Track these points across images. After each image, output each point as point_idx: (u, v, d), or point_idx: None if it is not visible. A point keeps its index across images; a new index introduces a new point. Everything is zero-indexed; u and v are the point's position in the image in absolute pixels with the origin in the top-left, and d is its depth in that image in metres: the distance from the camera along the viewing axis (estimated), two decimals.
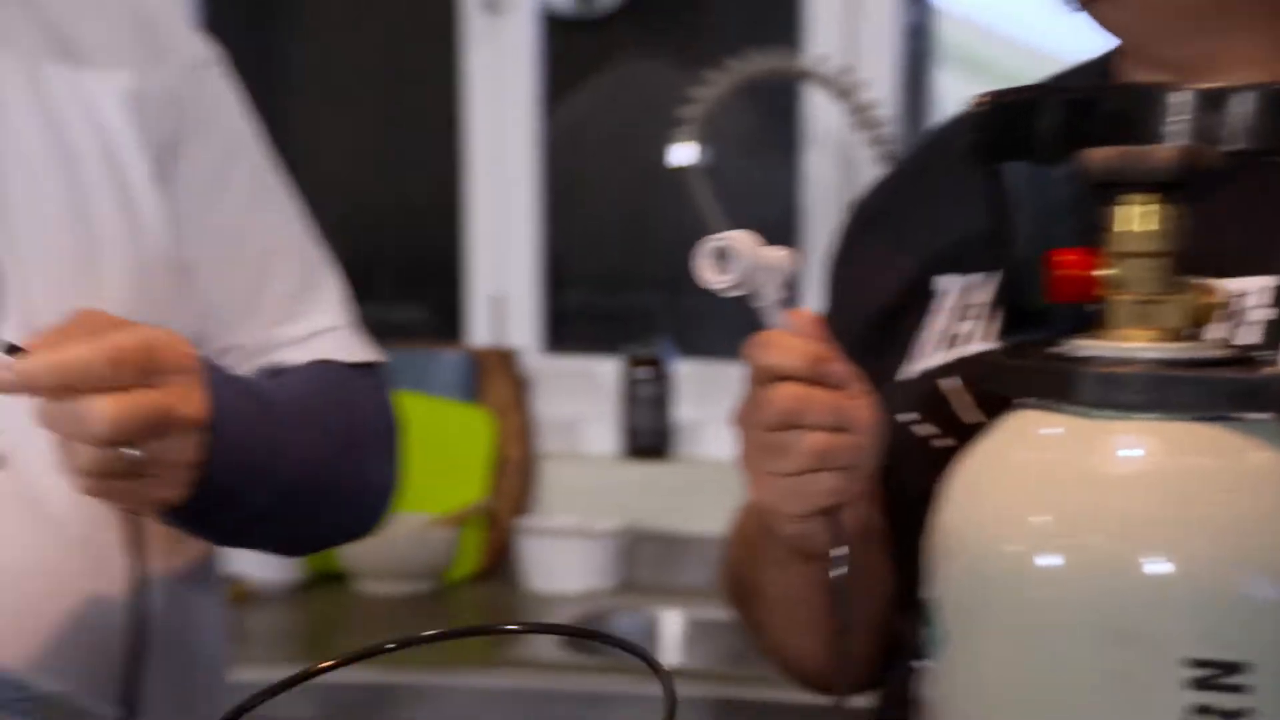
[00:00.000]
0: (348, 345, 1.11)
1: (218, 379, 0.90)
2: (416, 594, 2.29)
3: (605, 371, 2.48)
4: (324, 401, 1.05)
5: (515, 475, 2.43)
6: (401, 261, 2.71)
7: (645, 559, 2.35)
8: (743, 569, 1.05)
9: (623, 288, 2.67)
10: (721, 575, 1.10)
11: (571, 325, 2.60)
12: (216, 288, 1.07)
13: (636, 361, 2.42)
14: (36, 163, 1.00)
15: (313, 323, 1.10)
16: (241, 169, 1.09)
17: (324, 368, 1.09)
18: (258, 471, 0.94)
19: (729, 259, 0.81)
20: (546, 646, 2.01)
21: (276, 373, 1.08)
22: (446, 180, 2.55)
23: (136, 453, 0.80)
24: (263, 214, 1.10)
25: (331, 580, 2.32)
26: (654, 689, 1.79)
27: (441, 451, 2.39)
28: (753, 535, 1.00)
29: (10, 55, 1.01)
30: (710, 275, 0.82)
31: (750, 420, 0.87)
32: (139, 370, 0.79)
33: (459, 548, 2.35)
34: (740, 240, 0.81)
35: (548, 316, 2.56)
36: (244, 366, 1.07)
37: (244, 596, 2.19)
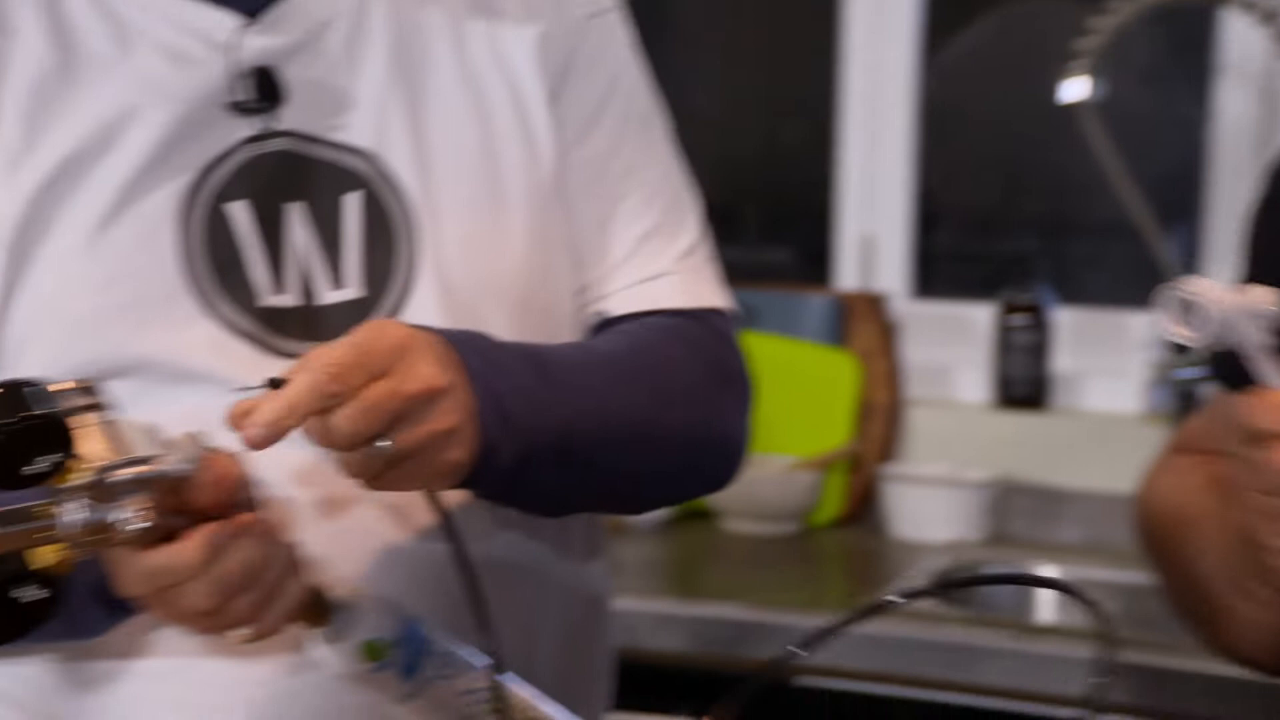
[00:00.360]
0: (695, 290, 1.09)
1: (462, 340, 0.89)
2: (779, 535, 2.29)
3: (978, 317, 2.41)
4: (652, 358, 1.03)
5: (881, 421, 2.40)
6: (771, 203, 2.69)
7: (1018, 512, 2.29)
8: (1175, 545, 0.99)
9: (999, 230, 2.58)
10: (1142, 538, 1.04)
11: (942, 268, 2.54)
12: (576, 220, 1.07)
13: (1012, 308, 2.34)
14: (455, 112, 1.03)
15: (660, 264, 1.08)
16: (617, 107, 1.09)
17: (660, 320, 1.07)
18: (545, 431, 0.92)
19: (1196, 311, 0.74)
20: None
21: (605, 324, 1.06)
22: (820, 119, 2.52)
23: (387, 444, 0.81)
24: (630, 153, 1.10)
25: (699, 518, 2.34)
26: (1019, 645, 1.74)
27: (806, 395, 2.38)
28: (1193, 514, 0.94)
29: (439, 11, 1.05)
30: (1177, 329, 0.75)
31: (1248, 485, 0.80)
32: (362, 371, 0.81)
33: (822, 492, 2.34)
34: (1208, 291, 0.74)
35: (917, 259, 2.50)
36: (585, 312, 1.07)
37: (617, 530, 2.23)
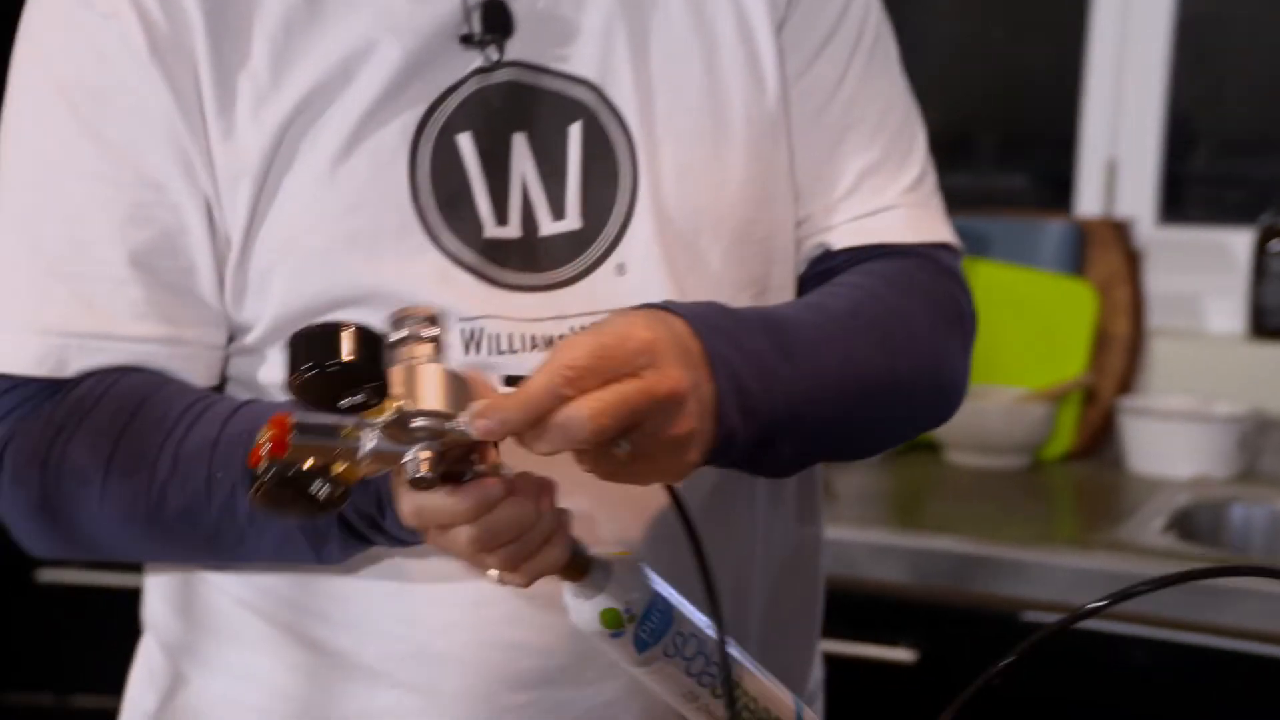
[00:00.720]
0: (921, 225, 1.06)
1: (704, 322, 0.88)
2: (1006, 469, 2.23)
3: (1233, 244, 2.29)
4: (883, 310, 1.00)
5: (1121, 352, 2.30)
6: (1008, 127, 2.61)
7: (1271, 448, 2.20)
8: None
9: (1258, 152, 2.45)
10: None
11: (1195, 193, 2.42)
12: (799, 151, 1.05)
13: (1272, 233, 2.23)
14: (680, 42, 1.02)
15: (885, 198, 1.06)
16: (846, 34, 1.06)
17: (886, 264, 1.04)
18: (784, 410, 0.91)
19: None
20: (1151, 532, 1.89)
21: (826, 256, 1.04)
22: (1065, 39, 2.41)
23: (624, 447, 0.81)
24: (857, 82, 1.07)
25: (921, 450, 2.29)
26: (1268, 586, 1.63)
27: (1040, 326, 2.32)
28: None
29: None
30: None
31: None
32: (600, 376, 0.80)
33: (1054, 424, 2.25)
34: None
35: (1166, 183, 2.38)
36: (806, 244, 1.05)
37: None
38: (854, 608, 1.81)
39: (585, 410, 0.78)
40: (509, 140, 0.97)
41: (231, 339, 0.99)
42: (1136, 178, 2.38)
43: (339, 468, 0.77)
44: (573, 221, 0.98)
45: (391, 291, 0.94)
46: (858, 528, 1.88)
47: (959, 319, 1.05)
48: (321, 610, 1.00)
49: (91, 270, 0.94)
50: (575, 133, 0.98)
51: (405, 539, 0.89)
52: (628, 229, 0.98)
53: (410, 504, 0.80)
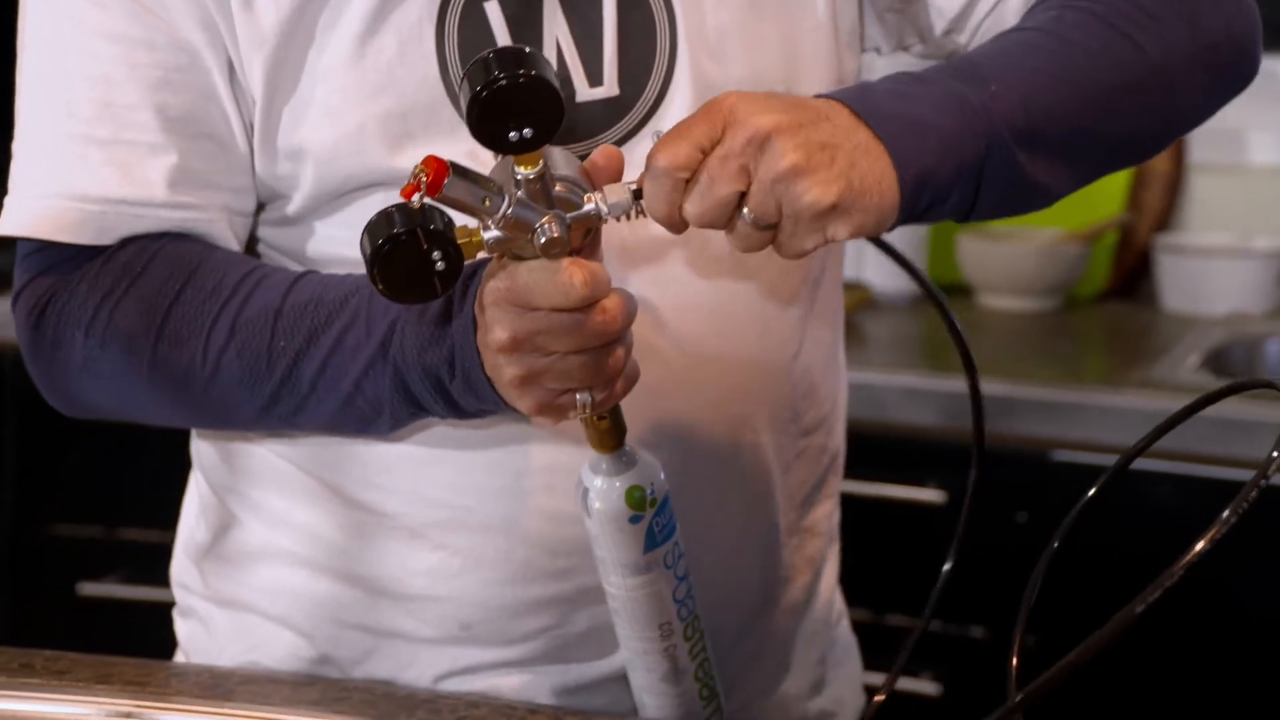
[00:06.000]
0: None
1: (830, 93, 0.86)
2: (1040, 310, 2.20)
3: (1278, 72, 2.22)
4: (1081, 19, 0.94)
5: (1159, 189, 2.27)
6: None
7: None
8: None
9: None
10: None
11: None
12: None
13: None
14: None
15: None
16: None
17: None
18: (1004, 110, 0.88)
19: None
20: (1182, 370, 1.87)
21: (1035, 6, 0.98)
22: None
23: (747, 216, 0.82)
24: None
25: (954, 292, 2.27)
26: None
27: None
28: None
29: None
30: None
31: None
32: (696, 149, 0.82)
33: (1088, 265, 2.22)
34: None
35: None
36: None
37: (866, 304, 2.17)
38: (884, 450, 1.80)
39: (688, 193, 0.80)
40: (540, 4, 0.94)
41: (261, 207, 0.99)
42: None
43: (464, 237, 0.80)
44: (610, 88, 0.95)
45: None
46: (888, 371, 1.87)
47: None
48: (364, 475, 1.00)
49: (126, 135, 0.94)
50: None
51: (465, 406, 0.89)
52: (666, 95, 0.95)
53: (519, 278, 0.81)
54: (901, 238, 2.21)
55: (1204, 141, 2.27)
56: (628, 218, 0.83)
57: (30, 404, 2.12)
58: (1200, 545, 0.72)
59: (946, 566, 0.97)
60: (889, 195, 0.83)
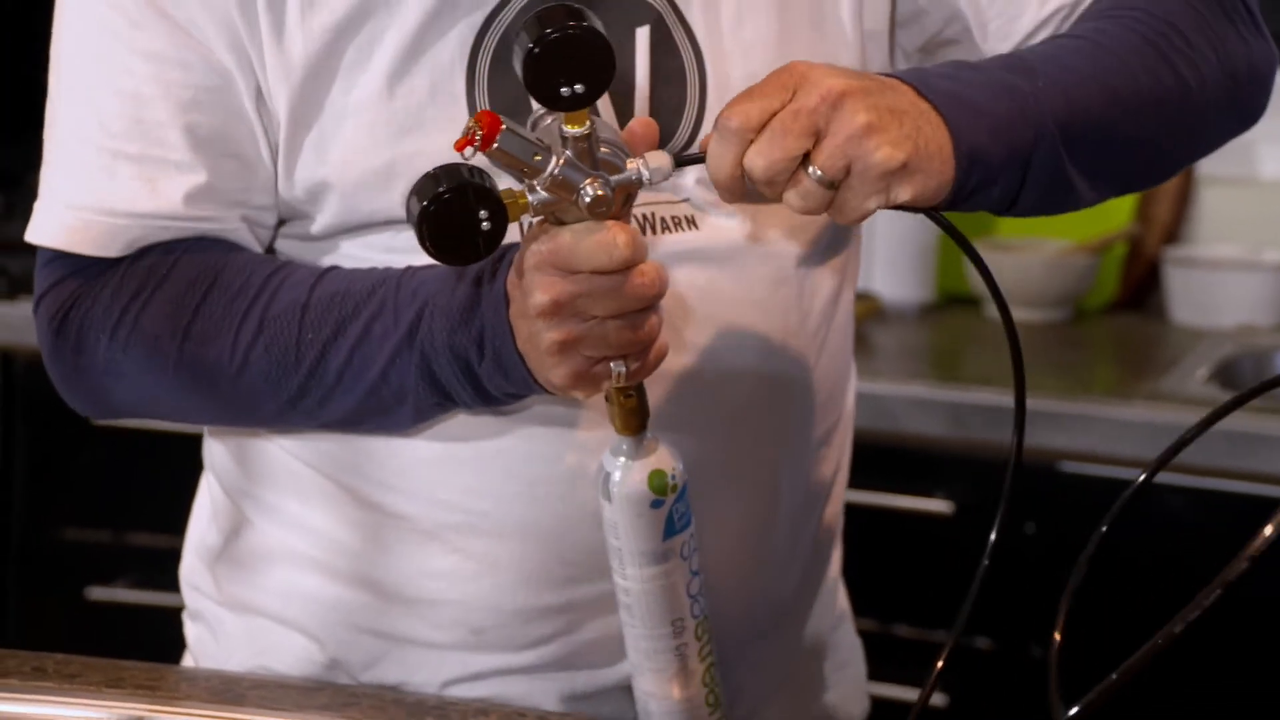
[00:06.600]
0: None
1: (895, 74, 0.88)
2: (1049, 321, 2.20)
3: None
4: (1125, 16, 0.96)
5: (1169, 200, 2.26)
6: None
7: None
8: None
9: None
10: None
11: None
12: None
13: None
14: None
15: None
16: None
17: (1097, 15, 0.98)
18: (1044, 107, 0.89)
19: None
20: (1191, 382, 1.87)
21: (1080, 19, 0.99)
22: None
23: (815, 172, 0.82)
24: None
25: (961, 304, 2.27)
26: None
27: None
28: None
29: None
30: None
31: None
32: (763, 111, 0.83)
33: (1097, 276, 2.22)
34: None
35: None
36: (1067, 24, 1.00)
37: (875, 313, 2.17)
38: (891, 460, 1.80)
39: (752, 149, 0.81)
40: None
41: (282, 222, 1.00)
42: None
43: (509, 198, 0.81)
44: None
45: None
46: (896, 381, 1.86)
47: (1236, 5, 1.00)
48: (379, 476, 1.00)
49: (155, 152, 0.95)
50: (642, 39, 0.95)
51: (492, 390, 0.90)
52: (695, 141, 0.96)
53: (562, 239, 0.82)
54: (911, 247, 2.23)
55: (1213, 154, 2.27)
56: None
57: (41, 408, 2.14)
58: (1252, 551, 0.72)
59: (983, 566, 0.96)
60: (948, 165, 0.85)
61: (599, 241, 0.82)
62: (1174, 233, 2.27)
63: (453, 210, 0.80)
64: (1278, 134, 2.22)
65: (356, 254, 0.97)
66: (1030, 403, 1.74)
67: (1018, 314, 2.24)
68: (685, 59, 0.96)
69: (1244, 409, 1.72)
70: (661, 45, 0.96)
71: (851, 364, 1.11)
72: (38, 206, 0.97)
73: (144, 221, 0.95)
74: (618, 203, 0.83)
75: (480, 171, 0.81)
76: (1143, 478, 0.90)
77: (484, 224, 0.81)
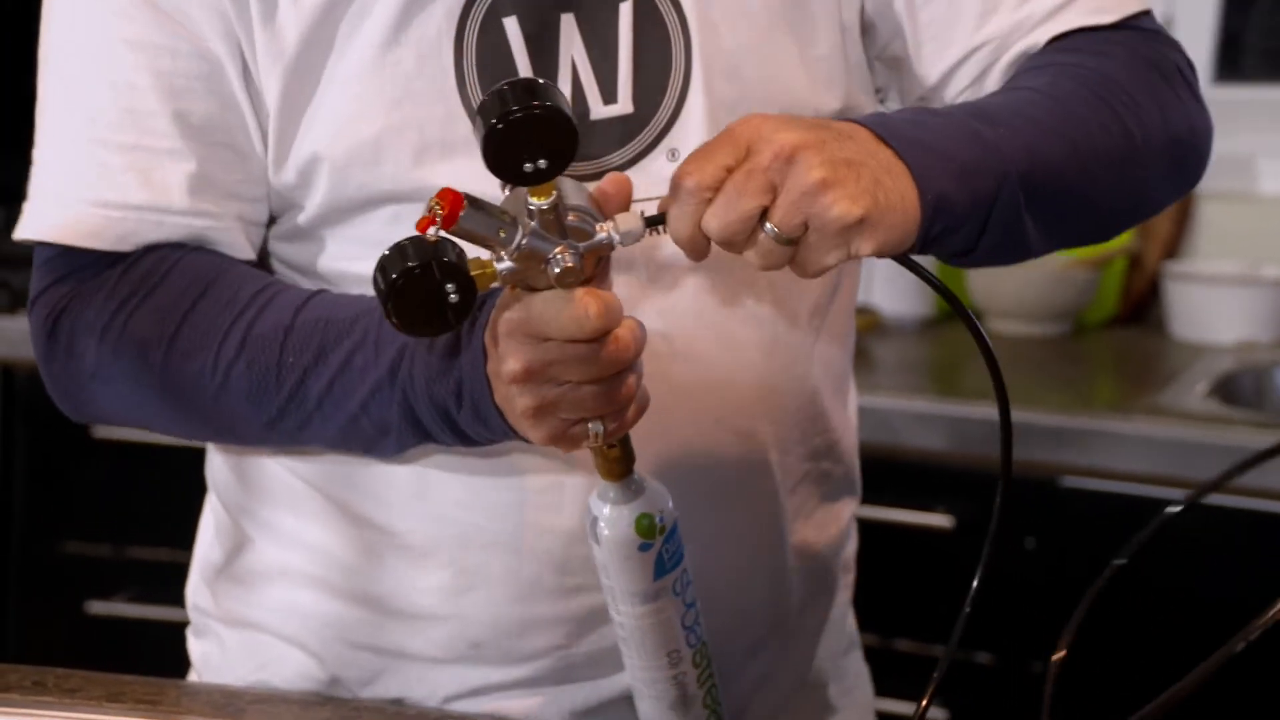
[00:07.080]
0: (1100, 6, 1.00)
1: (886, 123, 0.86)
2: (1049, 336, 2.21)
3: None
4: (1079, 73, 0.96)
5: (1169, 216, 2.27)
6: None
7: None
8: None
9: None
10: None
11: (1250, 51, 2.34)
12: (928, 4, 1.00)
13: None
14: None
15: None
16: None
17: (1076, 39, 0.99)
18: (1002, 163, 0.89)
19: None
20: (1190, 397, 1.87)
21: (1026, 71, 0.99)
22: None
23: (770, 229, 0.81)
24: None
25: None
26: None
27: None
28: None
29: None
30: None
31: None
32: (719, 170, 0.82)
33: (1097, 291, 2.22)
34: None
35: (1221, 40, 2.32)
36: (997, 63, 1.00)
37: (874, 327, 2.17)
38: (892, 475, 1.80)
39: (710, 209, 0.80)
40: (557, 21, 0.94)
41: (273, 220, 1.00)
42: (1190, 35, 2.31)
43: (477, 269, 0.80)
44: (624, 105, 0.95)
45: (440, 183, 0.90)
46: (897, 396, 1.86)
47: (1174, 72, 1.00)
48: (373, 490, 1.00)
49: (147, 141, 0.94)
50: (626, 11, 0.95)
51: (473, 436, 0.90)
52: (680, 113, 0.96)
53: (533, 309, 0.81)
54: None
55: (1213, 169, 2.24)
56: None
57: (42, 421, 2.14)
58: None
59: (974, 583, 0.96)
60: (911, 214, 0.83)
61: (570, 315, 0.80)
62: (1174, 248, 2.27)
63: (419, 286, 0.79)
64: (1277, 149, 2.24)
65: (344, 249, 0.97)
66: (1030, 417, 1.77)
67: (1018, 328, 2.26)
68: (671, 31, 0.96)
69: (1244, 425, 1.73)
70: (645, 20, 0.95)
71: (849, 377, 1.11)
72: (29, 203, 0.97)
73: (137, 214, 0.95)
74: (589, 267, 0.81)
75: (449, 243, 0.80)
76: (1172, 509, 0.89)
77: (451, 297, 0.79)
